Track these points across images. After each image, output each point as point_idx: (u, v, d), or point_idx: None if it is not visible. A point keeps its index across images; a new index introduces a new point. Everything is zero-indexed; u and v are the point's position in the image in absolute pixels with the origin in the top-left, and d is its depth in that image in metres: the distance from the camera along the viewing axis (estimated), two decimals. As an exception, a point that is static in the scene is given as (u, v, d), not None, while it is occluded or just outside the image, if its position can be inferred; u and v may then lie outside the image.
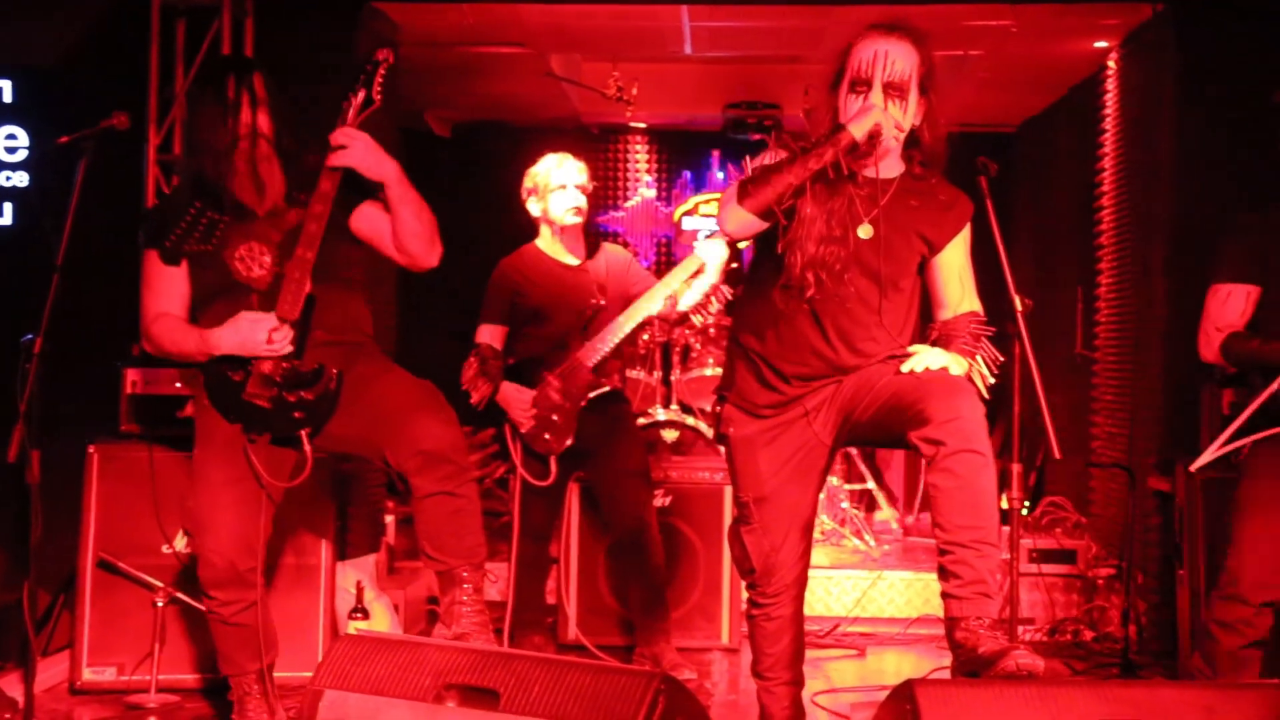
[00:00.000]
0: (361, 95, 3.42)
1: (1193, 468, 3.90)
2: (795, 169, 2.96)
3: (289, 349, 3.36)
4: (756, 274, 3.25)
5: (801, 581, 3.32)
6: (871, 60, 3.00)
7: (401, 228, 3.41)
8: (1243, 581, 3.63)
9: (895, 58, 3.00)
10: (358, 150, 3.34)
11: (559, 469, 4.64)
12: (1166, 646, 4.85)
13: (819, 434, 3.18)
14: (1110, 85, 6.05)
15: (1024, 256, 7.86)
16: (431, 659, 2.68)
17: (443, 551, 3.41)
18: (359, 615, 4.46)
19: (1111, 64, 6.03)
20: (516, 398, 4.56)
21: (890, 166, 3.11)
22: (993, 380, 3.13)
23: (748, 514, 3.24)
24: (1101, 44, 5.97)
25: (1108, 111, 6.07)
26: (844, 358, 3.13)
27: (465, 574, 3.42)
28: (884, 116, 2.97)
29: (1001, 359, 3.22)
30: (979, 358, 3.12)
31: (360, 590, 4.50)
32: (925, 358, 2.99)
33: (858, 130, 2.95)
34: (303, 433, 3.41)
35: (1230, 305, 3.74)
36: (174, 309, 3.48)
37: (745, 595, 3.48)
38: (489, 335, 4.65)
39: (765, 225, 3.03)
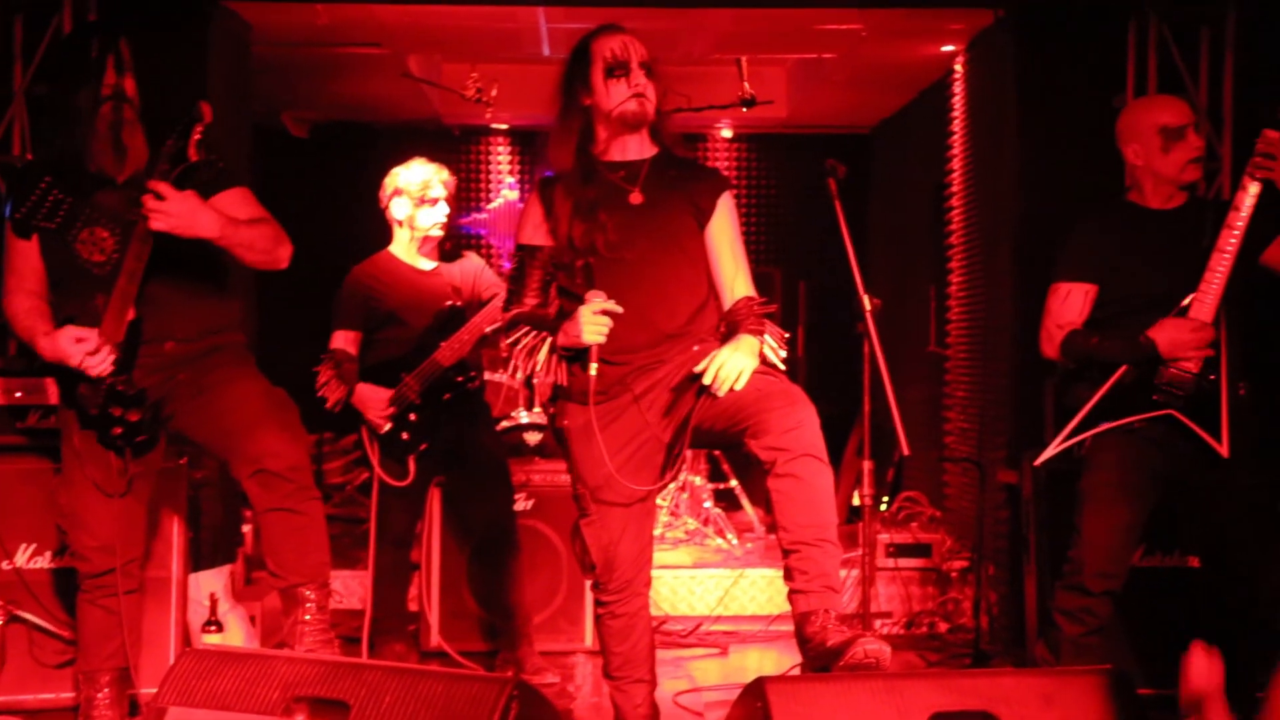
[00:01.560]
0: (174, 146, 3.32)
1: (1037, 462, 4.02)
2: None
3: (108, 369, 3.32)
4: (565, 277, 3.34)
5: (645, 577, 3.36)
6: (622, 47, 3.28)
7: (238, 257, 3.41)
8: (1085, 571, 3.74)
9: (639, 45, 3.30)
10: (173, 214, 3.25)
11: (419, 472, 4.62)
12: (1016, 636, 4.97)
13: (655, 428, 3.23)
14: (958, 88, 6.20)
15: (880, 256, 8.03)
16: (280, 672, 2.64)
17: (284, 568, 3.40)
18: (213, 628, 4.35)
19: (958, 68, 6.18)
20: (373, 397, 4.54)
21: (642, 148, 3.34)
22: (784, 354, 3.26)
23: (585, 506, 3.30)
24: (949, 48, 6.11)
25: (956, 114, 6.22)
26: (641, 317, 3.21)
27: (309, 592, 3.40)
28: (645, 82, 3.27)
29: (787, 335, 3.36)
30: (766, 336, 3.24)
31: (214, 602, 4.40)
32: (726, 363, 3.07)
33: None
34: (127, 451, 3.40)
35: (1070, 303, 3.84)
36: (29, 284, 3.47)
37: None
38: (343, 341, 4.65)
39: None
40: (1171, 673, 4.22)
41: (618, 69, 3.26)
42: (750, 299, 3.31)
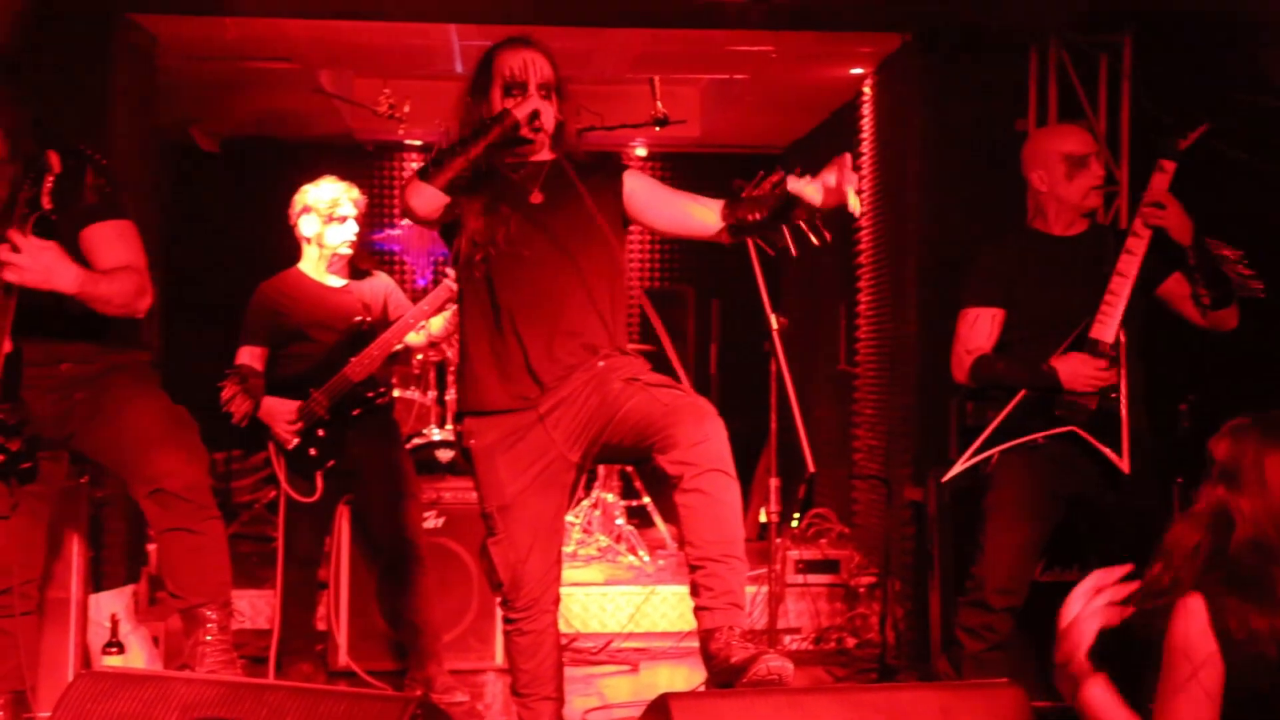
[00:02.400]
0: (29, 194, 3.18)
1: (943, 480, 4.10)
2: (470, 148, 3.17)
3: None
4: (466, 283, 3.34)
5: (553, 595, 3.36)
6: (523, 66, 3.29)
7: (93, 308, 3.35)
8: (987, 588, 3.81)
9: (540, 65, 3.31)
10: (26, 268, 3.14)
11: (327, 490, 4.59)
12: (922, 651, 5.04)
13: (561, 446, 3.23)
14: (866, 111, 6.29)
15: (793, 275, 8.10)
16: (179, 693, 2.59)
17: (184, 589, 3.37)
18: (114, 650, 4.29)
19: (867, 90, 6.27)
20: (280, 410, 4.53)
21: (543, 154, 3.37)
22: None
23: (493, 525, 3.28)
24: (858, 71, 6.20)
25: (864, 136, 6.31)
26: (548, 320, 3.22)
27: (210, 612, 3.37)
28: (541, 104, 3.25)
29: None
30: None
31: (115, 623, 4.33)
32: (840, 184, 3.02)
33: (521, 113, 3.21)
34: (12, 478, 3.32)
35: (978, 328, 3.92)
36: None
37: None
38: (248, 356, 4.64)
39: (446, 202, 3.20)
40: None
41: (515, 89, 3.28)
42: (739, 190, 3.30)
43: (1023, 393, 3.82)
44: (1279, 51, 5.05)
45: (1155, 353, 3.99)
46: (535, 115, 3.22)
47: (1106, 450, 3.70)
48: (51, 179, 3.16)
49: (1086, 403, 3.74)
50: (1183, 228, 3.73)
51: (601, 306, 3.27)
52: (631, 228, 3.43)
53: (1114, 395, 3.74)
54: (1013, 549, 3.82)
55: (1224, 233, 3.83)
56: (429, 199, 3.19)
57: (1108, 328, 3.72)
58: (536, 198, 3.28)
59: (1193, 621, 2.24)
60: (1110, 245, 3.83)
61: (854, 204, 3.00)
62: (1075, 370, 3.73)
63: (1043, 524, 3.82)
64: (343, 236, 4.63)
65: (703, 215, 3.31)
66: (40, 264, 3.15)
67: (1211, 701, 2.22)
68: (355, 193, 4.68)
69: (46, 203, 3.16)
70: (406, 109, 6.28)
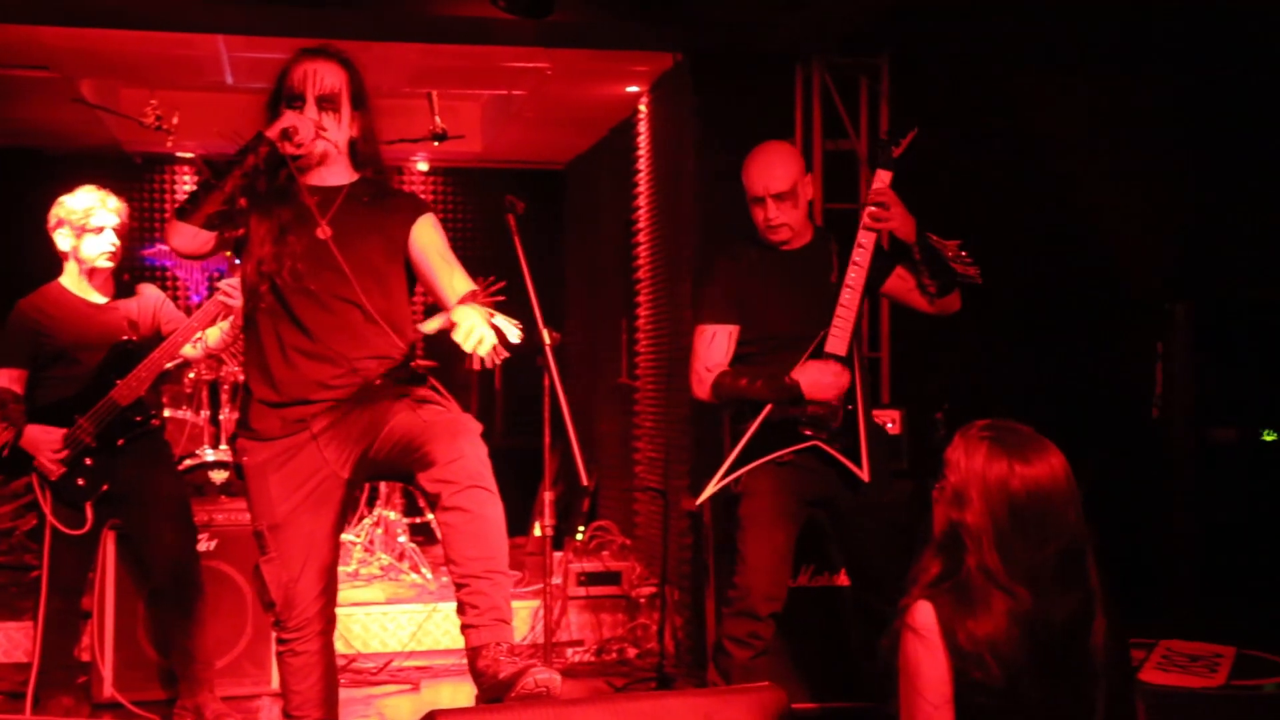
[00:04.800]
0: None
1: (697, 501, 4.17)
2: (225, 179, 3.11)
3: None
4: (250, 307, 3.28)
5: (327, 615, 3.31)
6: (303, 78, 3.24)
7: None
8: (752, 596, 3.87)
9: (324, 75, 3.25)
10: None
11: (94, 516, 4.40)
12: (700, 659, 5.14)
13: (333, 465, 3.20)
14: (643, 128, 6.39)
15: (577, 290, 8.17)
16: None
17: None
18: None
19: (643, 108, 6.37)
20: (44, 439, 4.32)
21: (339, 175, 3.31)
22: (519, 330, 3.13)
23: (264, 544, 3.23)
24: (634, 89, 6.30)
25: (641, 153, 6.41)
26: (330, 352, 3.18)
27: None
28: (297, 119, 3.17)
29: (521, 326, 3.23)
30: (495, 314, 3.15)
31: None
32: (471, 327, 2.98)
33: (271, 132, 3.14)
34: None
35: (715, 345, 3.97)
36: None
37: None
38: (7, 379, 4.40)
39: (211, 236, 3.13)
40: (830, 688, 4.49)
41: (296, 102, 3.22)
42: (475, 292, 3.27)
43: (768, 410, 3.88)
44: (1023, 76, 5.36)
45: (913, 363, 4.18)
46: (288, 133, 3.13)
47: (847, 462, 3.83)
48: None
49: (830, 417, 3.85)
50: (907, 227, 3.86)
51: (386, 339, 3.23)
52: None
53: (850, 406, 3.88)
54: (772, 554, 3.89)
55: (943, 228, 4.00)
56: (189, 238, 3.12)
57: (841, 340, 3.84)
58: (324, 231, 3.19)
59: (923, 631, 2.34)
60: (837, 254, 3.93)
61: (511, 334, 3.06)
62: (815, 379, 3.82)
63: (793, 528, 3.92)
64: (100, 248, 4.43)
65: (448, 293, 3.25)
66: None
67: (942, 711, 2.32)
68: (115, 202, 4.49)
69: None
70: (175, 121, 6.10)
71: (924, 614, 2.34)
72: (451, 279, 3.28)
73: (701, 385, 3.97)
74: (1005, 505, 2.34)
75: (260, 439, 3.21)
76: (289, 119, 3.16)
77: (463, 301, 3.20)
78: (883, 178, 3.84)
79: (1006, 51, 5.40)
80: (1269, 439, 4.75)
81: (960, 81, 5.36)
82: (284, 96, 3.24)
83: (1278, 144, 4.39)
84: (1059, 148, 5.45)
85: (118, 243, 4.48)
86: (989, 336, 5.12)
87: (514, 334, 3.11)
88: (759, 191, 3.96)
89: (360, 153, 3.33)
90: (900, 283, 3.99)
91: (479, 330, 2.98)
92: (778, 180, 3.93)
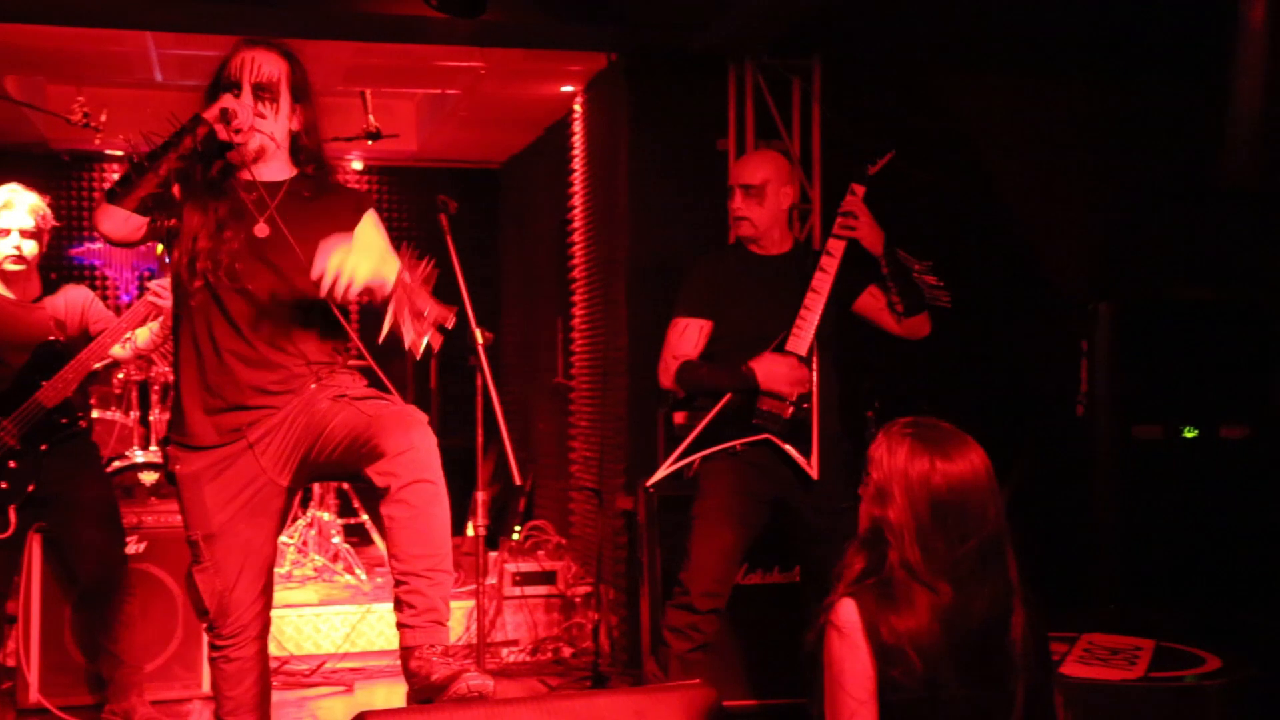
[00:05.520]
0: None
1: (648, 483, 4.23)
2: (159, 161, 3.01)
3: None
4: (181, 306, 3.23)
5: (263, 621, 3.28)
6: (240, 65, 3.17)
7: None
8: (693, 591, 3.94)
9: (262, 63, 3.18)
10: None
11: (18, 519, 4.33)
12: (635, 657, 5.16)
13: (270, 472, 3.17)
14: (578, 128, 6.40)
15: (513, 290, 8.16)
16: None
17: None
18: None
19: (578, 107, 6.38)
20: None
21: (279, 170, 3.24)
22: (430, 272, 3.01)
23: (199, 553, 3.19)
24: (568, 88, 6.30)
25: (576, 153, 6.42)
26: (265, 356, 3.14)
27: None
28: (234, 103, 3.10)
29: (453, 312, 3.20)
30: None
31: None
32: (339, 262, 2.88)
33: (209, 114, 3.07)
34: None
35: (686, 337, 4.09)
36: None
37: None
38: (-72, 382, 4.30)
39: (143, 222, 3.04)
40: (774, 685, 4.53)
41: (232, 88, 3.15)
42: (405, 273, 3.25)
43: (724, 400, 3.97)
44: (949, 79, 5.43)
45: (845, 363, 4.22)
46: (226, 114, 3.05)
47: (798, 456, 3.89)
48: None
49: (781, 411, 3.92)
50: (874, 238, 3.97)
51: (320, 341, 3.20)
52: None
53: (805, 405, 3.94)
54: (716, 553, 3.96)
55: (914, 247, 4.09)
56: (120, 223, 3.02)
57: (802, 341, 3.93)
58: (262, 230, 3.14)
59: (846, 628, 2.37)
60: (811, 265, 4.04)
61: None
62: (770, 370, 3.92)
63: (745, 529, 3.98)
64: (3, 250, 4.33)
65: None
66: None
67: (865, 705, 2.35)
68: (32, 200, 4.39)
69: None
70: (104, 118, 6.02)
71: (847, 611, 2.37)
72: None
73: (667, 373, 4.09)
74: (927, 501, 2.37)
75: (193, 448, 3.17)
76: (227, 101, 3.09)
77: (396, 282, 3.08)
78: (856, 190, 3.98)
79: (933, 54, 5.47)
80: (1190, 435, 4.85)
81: (888, 83, 5.42)
82: (222, 84, 3.16)
83: (1194, 147, 4.49)
84: (984, 149, 5.53)
85: (30, 245, 4.36)
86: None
87: (414, 271, 2.97)
88: (731, 181, 4.14)
89: (302, 148, 3.25)
90: (872, 300, 4.10)
91: (335, 265, 2.86)
92: (748, 173, 4.09)
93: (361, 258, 2.90)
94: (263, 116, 3.17)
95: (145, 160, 3.03)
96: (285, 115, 3.21)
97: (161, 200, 3.04)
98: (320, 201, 3.24)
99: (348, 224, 3.23)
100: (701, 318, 4.09)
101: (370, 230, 3.27)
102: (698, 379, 4.03)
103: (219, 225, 3.12)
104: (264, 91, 3.17)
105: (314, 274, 2.90)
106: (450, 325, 3.02)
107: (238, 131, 3.09)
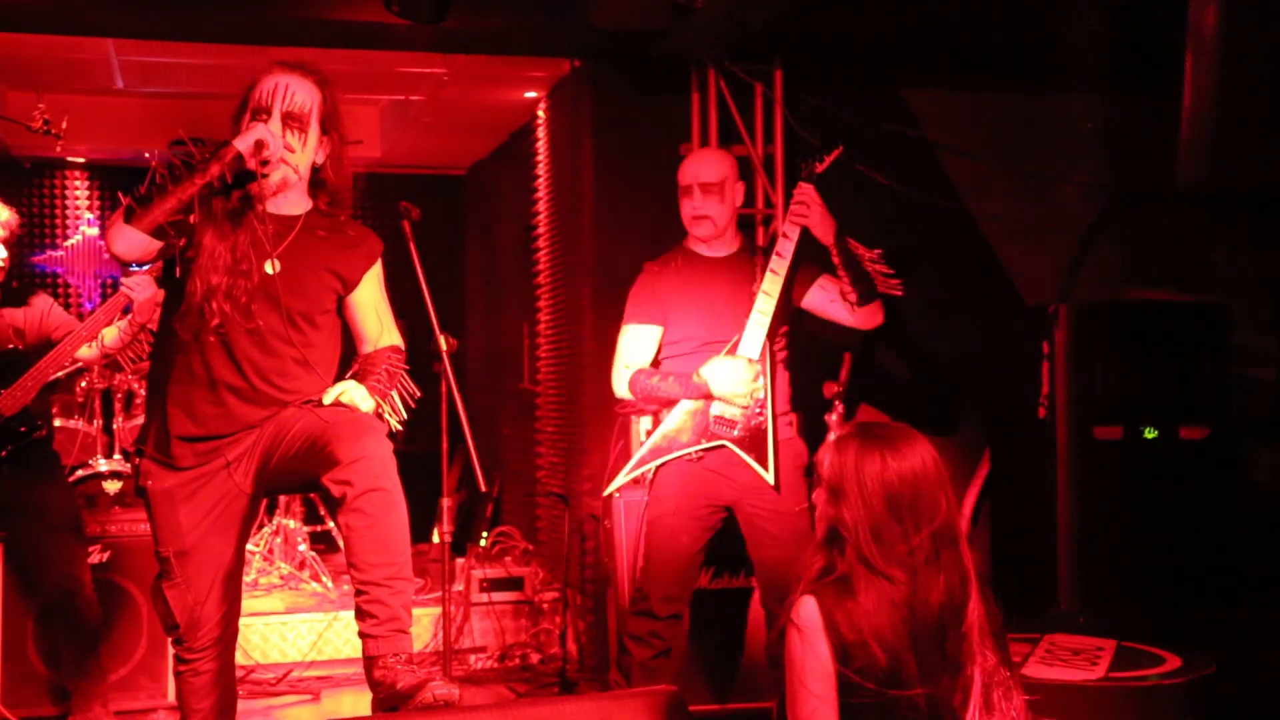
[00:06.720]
0: None
1: (604, 493, 4.24)
2: (183, 185, 2.95)
3: None
4: (168, 318, 3.19)
5: (230, 633, 3.28)
6: (272, 91, 3.09)
7: None
8: (652, 596, 3.96)
9: (295, 91, 3.11)
10: None
11: (-22, 531, 4.31)
12: (603, 663, 5.16)
13: (240, 484, 3.16)
14: (541, 134, 6.40)
15: (477, 296, 8.15)
16: None
17: None
18: None
19: (541, 113, 6.38)
20: None
21: (296, 203, 3.20)
22: (404, 416, 3.25)
23: (169, 569, 3.17)
24: (532, 94, 6.31)
25: (540, 158, 6.42)
26: (262, 393, 3.13)
27: None
28: (268, 133, 3.01)
29: (419, 394, 3.35)
30: (393, 394, 3.25)
31: None
32: (338, 389, 3.08)
33: (242, 144, 2.99)
34: None
35: (636, 344, 4.10)
36: None
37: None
38: (-114, 391, 4.27)
39: (158, 245, 2.99)
40: (737, 688, 4.53)
41: (261, 114, 3.07)
42: (391, 349, 3.32)
43: (680, 408, 3.97)
44: (911, 84, 5.47)
45: (807, 366, 4.25)
46: (259, 145, 2.96)
47: (754, 465, 3.90)
48: None
49: (736, 415, 3.92)
50: (826, 227, 3.98)
51: (315, 381, 3.18)
52: None
53: (760, 411, 3.94)
54: (675, 559, 3.98)
55: (864, 236, 4.10)
56: (134, 244, 2.94)
57: (753, 344, 3.93)
58: (273, 266, 3.09)
59: (806, 626, 2.39)
60: (760, 265, 4.04)
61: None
62: (720, 374, 3.91)
63: (702, 533, 3.99)
64: None
65: (372, 345, 3.35)
66: None
67: (826, 703, 2.37)
68: (3, 213, 4.40)
69: None
70: (65, 125, 5.98)
71: (807, 608, 2.40)
72: (380, 337, 3.34)
73: (620, 382, 4.09)
74: (881, 495, 2.41)
75: (169, 467, 3.15)
76: (260, 131, 2.99)
77: (373, 356, 3.30)
78: (805, 189, 3.98)
79: (893, 60, 5.51)
80: (1150, 436, 4.89)
81: (850, 88, 5.45)
82: (250, 108, 3.09)
83: (1150, 151, 4.54)
84: (946, 154, 5.57)
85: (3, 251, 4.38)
86: (880, 339, 5.23)
87: (393, 418, 3.22)
88: (688, 180, 4.09)
89: (323, 181, 3.20)
90: (822, 293, 4.09)
91: (337, 393, 3.08)
92: (707, 171, 4.08)
93: (364, 399, 3.09)
94: (291, 150, 3.09)
95: (169, 183, 2.94)
96: (312, 147, 3.15)
97: (179, 226, 2.98)
98: (334, 240, 3.21)
99: (357, 271, 3.25)
100: (651, 323, 4.09)
101: (375, 285, 3.32)
102: (651, 388, 4.02)
103: (236, 260, 3.06)
104: (294, 121, 3.10)
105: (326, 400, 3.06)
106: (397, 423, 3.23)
107: (265, 163, 3.01)
